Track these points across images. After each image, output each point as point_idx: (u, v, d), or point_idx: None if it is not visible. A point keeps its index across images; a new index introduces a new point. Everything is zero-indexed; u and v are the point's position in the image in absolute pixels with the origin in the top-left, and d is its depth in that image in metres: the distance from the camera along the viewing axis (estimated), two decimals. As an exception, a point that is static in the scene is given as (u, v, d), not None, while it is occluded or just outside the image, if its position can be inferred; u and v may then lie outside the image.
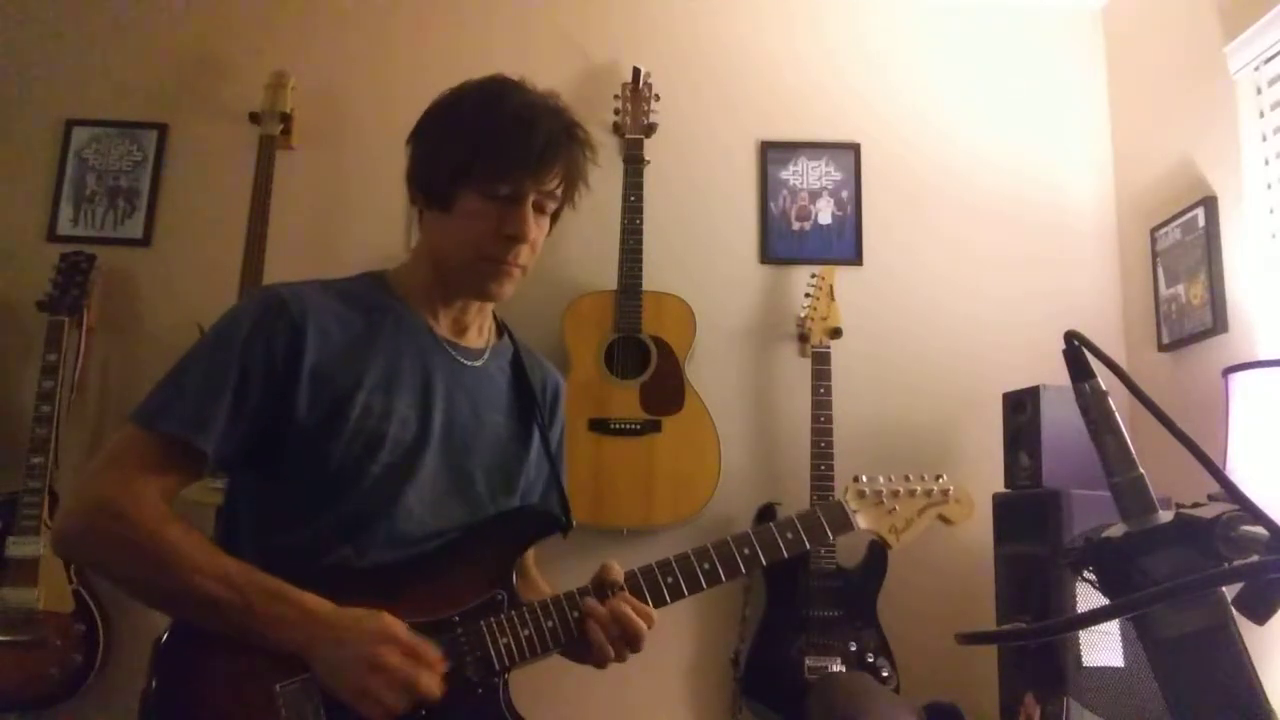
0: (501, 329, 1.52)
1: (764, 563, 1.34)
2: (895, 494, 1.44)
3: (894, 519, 1.44)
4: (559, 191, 1.34)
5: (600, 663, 1.28)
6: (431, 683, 1.16)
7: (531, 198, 1.31)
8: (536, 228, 1.33)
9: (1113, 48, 2.96)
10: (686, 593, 1.31)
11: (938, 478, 1.48)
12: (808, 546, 1.37)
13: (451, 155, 1.30)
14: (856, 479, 1.44)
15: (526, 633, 1.25)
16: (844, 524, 1.40)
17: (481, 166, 1.28)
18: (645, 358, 2.58)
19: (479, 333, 1.45)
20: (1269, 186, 2.24)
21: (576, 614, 1.27)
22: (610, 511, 2.48)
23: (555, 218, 1.39)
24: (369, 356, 1.30)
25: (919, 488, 1.46)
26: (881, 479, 1.45)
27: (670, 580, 1.31)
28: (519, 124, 1.28)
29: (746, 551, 1.34)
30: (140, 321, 2.73)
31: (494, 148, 1.28)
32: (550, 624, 1.26)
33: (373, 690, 1.13)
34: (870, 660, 2.37)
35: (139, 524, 1.16)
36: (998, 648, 2.28)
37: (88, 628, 2.38)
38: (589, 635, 1.26)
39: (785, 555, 1.36)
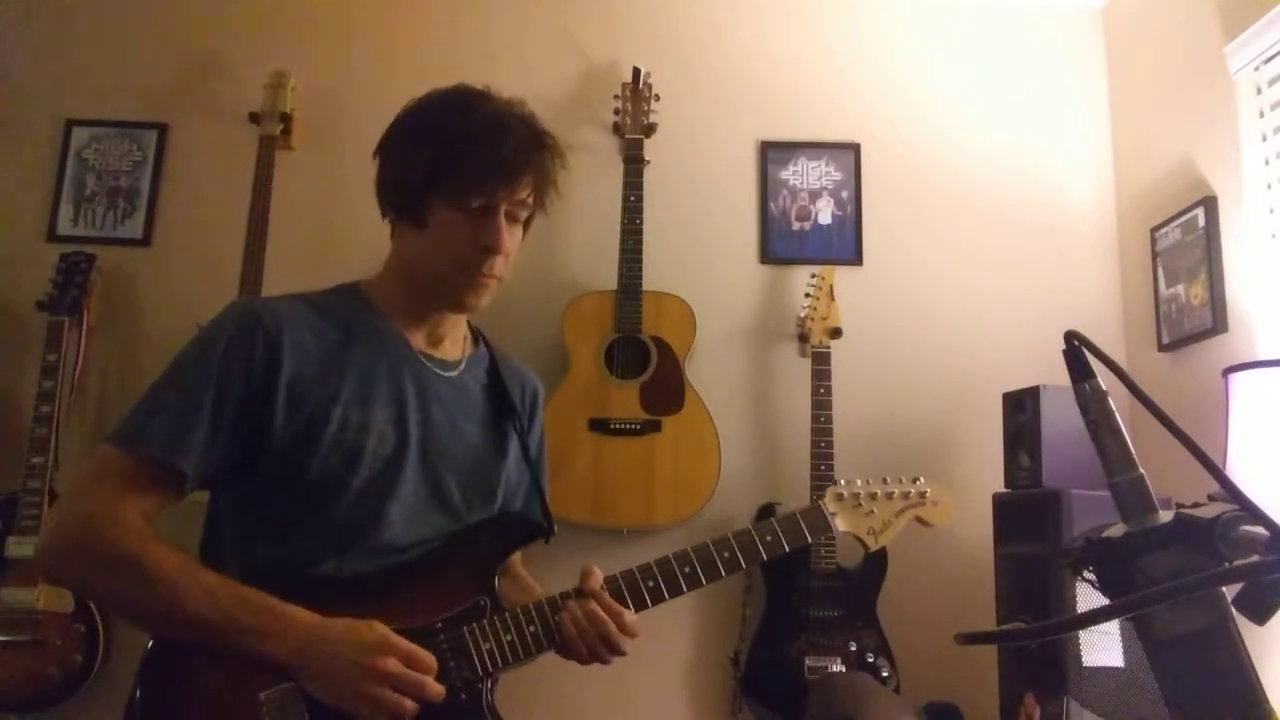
0: (478, 338, 1.53)
1: (744, 565, 1.38)
2: (873, 496, 1.48)
3: (872, 521, 1.48)
4: (530, 200, 1.34)
5: (582, 661, 1.30)
6: (435, 688, 1.17)
7: (504, 208, 1.31)
8: (510, 237, 1.33)
9: (1113, 48, 2.96)
10: (667, 596, 1.33)
11: (915, 480, 1.52)
12: (786, 549, 1.40)
13: (421, 168, 1.29)
14: (835, 482, 1.49)
15: (509, 638, 1.26)
16: (823, 526, 1.44)
17: (452, 178, 1.28)
18: (645, 358, 2.58)
19: (454, 343, 1.45)
20: (1269, 186, 2.24)
21: (558, 618, 1.29)
22: (610, 511, 2.48)
23: (528, 225, 1.40)
24: (345, 370, 1.31)
25: (896, 490, 1.50)
26: (860, 482, 1.49)
27: (651, 584, 1.33)
28: (488, 134, 1.29)
29: (726, 555, 1.36)
30: (140, 321, 2.73)
31: (464, 159, 1.28)
32: (533, 629, 1.28)
33: (376, 698, 1.14)
34: (870, 660, 2.37)
35: (122, 544, 1.17)
36: (998, 648, 2.28)
37: (88, 628, 2.38)
38: (564, 635, 1.28)
39: (765, 558, 1.39)
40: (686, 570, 1.34)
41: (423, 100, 1.37)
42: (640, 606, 1.32)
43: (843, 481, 1.49)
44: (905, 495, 1.50)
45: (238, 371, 1.24)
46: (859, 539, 1.47)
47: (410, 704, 1.15)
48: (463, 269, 1.32)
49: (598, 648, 1.29)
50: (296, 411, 1.26)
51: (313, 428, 1.26)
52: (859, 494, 1.48)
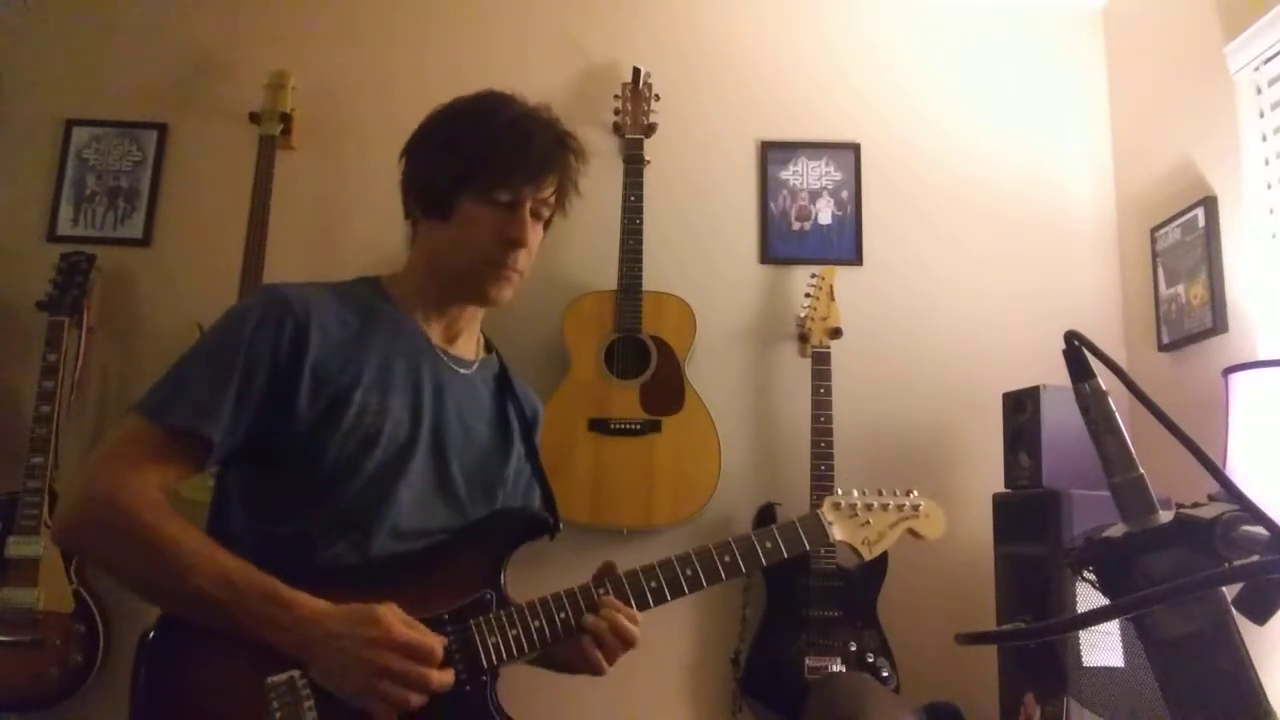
0: (489, 346, 1.56)
1: (744, 570, 1.40)
2: (869, 507, 1.53)
3: (867, 531, 1.52)
4: (553, 199, 1.40)
5: (594, 670, 1.31)
6: (442, 677, 1.18)
7: (528, 204, 1.36)
8: (533, 233, 1.39)
9: (1113, 48, 2.96)
10: (669, 597, 1.36)
11: (909, 493, 1.56)
12: (785, 556, 1.43)
13: (451, 164, 1.35)
14: (833, 492, 1.55)
15: (515, 632, 1.27)
16: (821, 535, 1.48)
17: (481, 173, 1.34)
18: (645, 358, 2.58)
19: (469, 343, 1.49)
20: (1269, 186, 2.24)
21: (564, 615, 1.30)
22: (610, 511, 2.48)
23: (548, 225, 1.45)
24: (366, 356, 1.33)
25: (891, 503, 1.54)
26: (856, 493, 1.54)
27: (654, 585, 1.35)
28: (516, 133, 1.35)
29: (727, 559, 1.39)
30: (140, 321, 2.73)
31: (493, 155, 1.34)
32: (538, 624, 1.29)
33: (382, 693, 1.14)
34: (870, 660, 2.37)
35: (139, 519, 1.17)
36: (998, 648, 2.28)
37: (88, 628, 2.38)
38: (586, 652, 1.30)
39: (764, 563, 1.42)
40: (688, 573, 1.37)
41: (451, 104, 1.41)
42: (643, 607, 1.35)
43: (840, 491, 1.53)
44: (899, 508, 1.54)
45: (265, 350, 1.26)
46: (854, 548, 1.52)
47: (415, 697, 1.15)
48: (487, 260, 1.36)
49: (617, 654, 1.31)
50: (320, 393, 1.28)
51: (334, 410, 1.28)
52: (855, 504, 1.52)
